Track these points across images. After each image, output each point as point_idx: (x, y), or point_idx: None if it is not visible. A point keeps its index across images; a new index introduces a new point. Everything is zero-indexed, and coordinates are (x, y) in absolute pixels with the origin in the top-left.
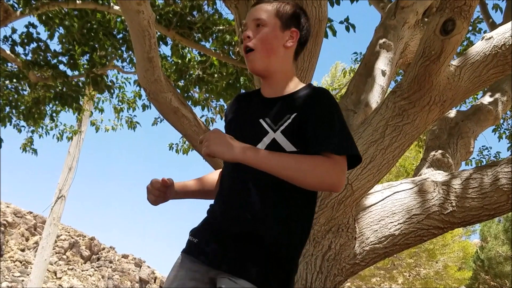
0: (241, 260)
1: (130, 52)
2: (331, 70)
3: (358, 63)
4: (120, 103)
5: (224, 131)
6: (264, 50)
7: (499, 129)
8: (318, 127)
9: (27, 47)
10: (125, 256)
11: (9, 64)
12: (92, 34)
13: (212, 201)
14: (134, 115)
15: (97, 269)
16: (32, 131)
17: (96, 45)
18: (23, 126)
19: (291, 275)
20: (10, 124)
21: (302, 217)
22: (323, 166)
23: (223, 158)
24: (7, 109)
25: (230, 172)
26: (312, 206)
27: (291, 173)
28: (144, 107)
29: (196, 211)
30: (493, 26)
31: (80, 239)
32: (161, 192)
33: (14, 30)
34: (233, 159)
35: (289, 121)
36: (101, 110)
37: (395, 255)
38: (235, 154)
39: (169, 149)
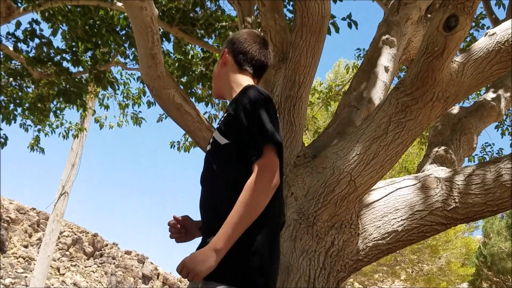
0: None
1: (133, 49)
2: (334, 67)
3: (361, 59)
4: (125, 99)
5: None
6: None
7: (501, 125)
8: (228, 120)
9: (30, 44)
10: (128, 253)
11: (13, 62)
12: (95, 30)
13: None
14: (139, 111)
15: (100, 265)
16: (39, 130)
17: (99, 42)
18: (29, 125)
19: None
20: (15, 122)
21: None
22: (257, 189)
23: (210, 269)
24: (11, 106)
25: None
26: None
27: (249, 216)
28: (149, 104)
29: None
30: (496, 22)
31: (83, 235)
32: (180, 231)
33: (18, 25)
34: (216, 261)
35: (221, 120)
36: (106, 107)
37: (398, 251)
38: (214, 258)
39: (171, 147)
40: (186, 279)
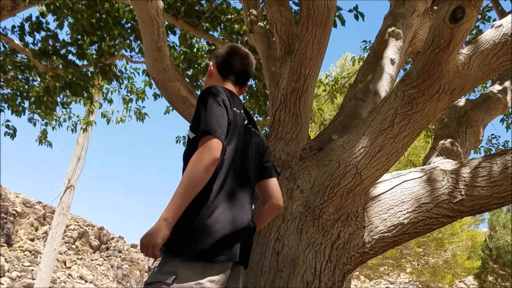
0: None
1: (139, 42)
2: (340, 60)
3: (367, 51)
4: (129, 94)
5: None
6: None
7: (507, 119)
8: (193, 119)
9: (36, 37)
10: (134, 246)
11: (19, 55)
12: (102, 23)
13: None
14: (143, 106)
15: (106, 258)
16: (46, 124)
17: (105, 35)
18: (37, 120)
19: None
20: (24, 115)
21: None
22: (194, 160)
23: (165, 238)
24: (18, 100)
25: None
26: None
27: (190, 185)
28: (156, 96)
29: None
30: (502, 14)
31: (89, 229)
32: None
33: (29, 18)
34: (168, 229)
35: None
36: (110, 101)
37: (403, 244)
38: (165, 227)
39: (176, 142)
40: (148, 256)
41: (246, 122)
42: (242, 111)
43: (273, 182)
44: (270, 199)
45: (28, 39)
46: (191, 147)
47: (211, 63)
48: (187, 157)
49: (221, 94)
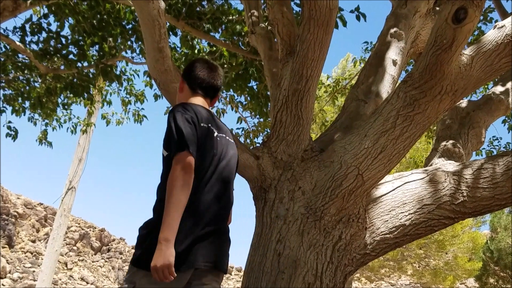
0: None
1: (140, 43)
2: (341, 61)
3: (368, 52)
4: (128, 96)
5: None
6: None
7: (509, 120)
8: (165, 137)
9: (37, 37)
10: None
11: (20, 56)
12: (104, 24)
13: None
14: (142, 108)
15: (107, 260)
16: (46, 124)
17: (106, 35)
18: (37, 119)
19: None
20: (24, 115)
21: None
22: (171, 178)
23: (172, 255)
24: (19, 100)
25: None
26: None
27: (178, 203)
28: (156, 97)
29: None
30: (504, 15)
31: (90, 230)
32: None
33: (29, 19)
34: (170, 247)
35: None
36: (109, 103)
37: (404, 246)
38: (167, 245)
39: None
40: (167, 279)
41: (216, 134)
42: (209, 125)
43: None
44: None
45: (29, 40)
46: (166, 166)
47: (181, 78)
48: (164, 178)
49: (189, 112)
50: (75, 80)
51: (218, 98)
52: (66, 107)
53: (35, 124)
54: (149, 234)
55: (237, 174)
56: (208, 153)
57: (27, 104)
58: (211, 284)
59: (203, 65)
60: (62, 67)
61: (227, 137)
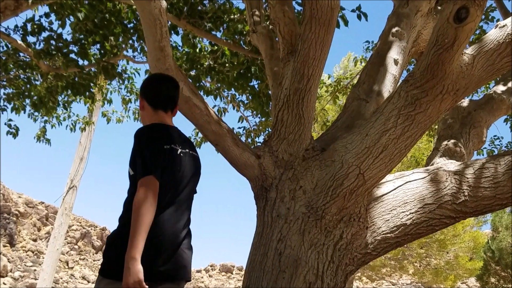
0: None
1: (141, 41)
2: (343, 61)
3: (370, 52)
4: (128, 94)
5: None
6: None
7: (510, 119)
8: (131, 158)
9: (38, 37)
10: None
11: (21, 54)
12: (105, 23)
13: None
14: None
15: None
16: (45, 121)
17: (107, 34)
18: (37, 116)
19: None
20: (24, 113)
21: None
22: (137, 201)
23: (139, 271)
24: (20, 98)
25: None
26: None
27: (143, 224)
28: None
29: (203, 203)
30: (506, 14)
31: (91, 229)
32: None
33: (31, 19)
34: (136, 264)
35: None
36: (110, 101)
37: (406, 245)
38: (133, 263)
39: None
40: None
41: (180, 151)
42: (172, 145)
43: None
44: None
45: (31, 39)
46: (132, 185)
47: (140, 96)
48: (130, 193)
49: (154, 133)
50: (76, 79)
51: (178, 108)
52: (66, 105)
53: (34, 120)
54: (110, 246)
55: (237, 174)
56: (170, 173)
57: (27, 101)
58: None
59: (158, 80)
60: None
61: (191, 151)
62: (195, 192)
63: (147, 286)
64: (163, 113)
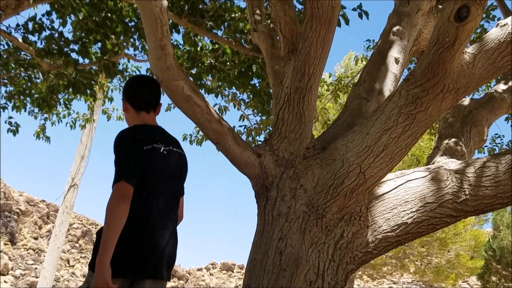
0: None
1: (142, 40)
2: (344, 59)
3: (370, 50)
4: None
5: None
6: None
7: (511, 118)
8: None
9: (39, 35)
10: None
11: (22, 52)
12: (107, 21)
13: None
14: None
15: None
16: (45, 119)
17: (108, 32)
18: (37, 113)
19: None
20: (25, 111)
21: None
22: (109, 206)
23: (107, 273)
24: (21, 97)
25: None
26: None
27: (113, 230)
28: None
29: (204, 202)
30: (507, 13)
31: (92, 227)
32: None
33: (33, 18)
34: (104, 268)
35: None
36: (111, 99)
37: (406, 244)
38: (101, 267)
39: (183, 140)
40: None
41: (163, 149)
42: (153, 145)
43: (180, 200)
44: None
45: (32, 37)
46: None
47: (123, 98)
48: None
49: (132, 135)
50: (77, 77)
51: (161, 107)
52: (66, 103)
53: (35, 117)
54: (97, 241)
55: (238, 173)
56: (153, 172)
57: (28, 100)
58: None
59: (138, 82)
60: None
61: (175, 149)
62: (183, 193)
63: (115, 286)
64: (145, 114)
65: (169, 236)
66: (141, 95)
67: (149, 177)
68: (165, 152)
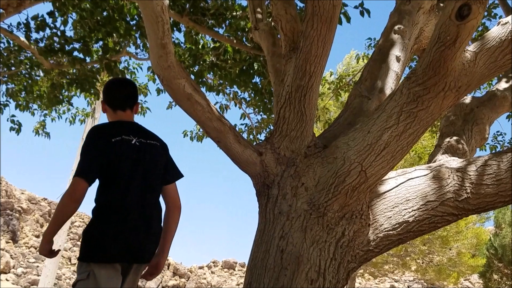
0: None
1: (144, 38)
2: (346, 58)
3: (372, 49)
4: None
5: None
6: None
7: None
8: None
9: (41, 34)
10: None
11: (22, 50)
12: (110, 19)
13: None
14: (145, 101)
15: None
16: (45, 115)
17: (110, 31)
18: (35, 109)
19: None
20: (29, 111)
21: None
22: (62, 196)
23: (42, 247)
24: (22, 94)
25: None
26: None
27: (59, 217)
28: (159, 91)
29: (205, 200)
30: (508, 11)
31: None
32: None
33: (36, 17)
34: (45, 241)
35: None
36: None
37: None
38: (44, 240)
39: (183, 137)
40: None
41: (134, 141)
42: (123, 136)
43: (169, 188)
44: (167, 203)
45: (34, 35)
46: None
47: (102, 101)
48: (97, 190)
49: (102, 129)
50: (77, 75)
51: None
52: (68, 100)
53: (33, 114)
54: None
55: (240, 171)
56: (124, 161)
57: (30, 98)
58: (131, 275)
59: (113, 84)
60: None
61: (149, 141)
62: (169, 181)
63: (50, 256)
64: (121, 112)
65: (142, 222)
66: (116, 95)
67: (120, 165)
68: (137, 143)
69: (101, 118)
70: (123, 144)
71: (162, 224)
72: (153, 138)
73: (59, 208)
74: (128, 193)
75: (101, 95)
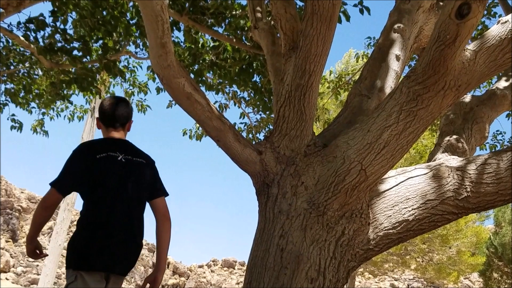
0: None
1: (144, 37)
2: (344, 57)
3: (371, 48)
4: (131, 87)
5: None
6: None
7: None
8: None
9: (41, 33)
10: None
11: (21, 49)
12: (110, 19)
13: None
14: (145, 99)
15: None
16: (43, 113)
17: (110, 30)
18: (33, 108)
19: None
20: (26, 109)
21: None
22: (38, 205)
23: (29, 246)
24: (21, 94)
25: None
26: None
27: (34, 222)
28: (159, 90)
29: (205, 199)
30: (508, 10)
31: None
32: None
33: (31, 20)
34: (27, 241)
35: None
36: (112, 94)
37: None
38: (27, 240)
39: (183, 135)
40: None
41: (120, 158)
42: (109, 153)
43: (158, 202)
44: (157, 216)
45: (34, 36)
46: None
47: (96, 118)
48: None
49: (87, 146)
50: (76, 74)
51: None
52: (66, 98)
53: (30, 112)
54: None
55: (240, 169)
56: (110, 177)
57: (30, 97)
58: (111, 284)
59: (106, 103)
60: (64, 59)
61: (135, 158)
62: (157, 195)
63: (33, 257)
64: (112, 129)
65: (127, 237)
66: (108, 114)
67: (105, 181)
68: (123, 160)
69: None
70: (108, 160)
71: (154, 237)
72: (141, 156)
73: (34, 214)
74: (113, 208)
75: (101, 93)
